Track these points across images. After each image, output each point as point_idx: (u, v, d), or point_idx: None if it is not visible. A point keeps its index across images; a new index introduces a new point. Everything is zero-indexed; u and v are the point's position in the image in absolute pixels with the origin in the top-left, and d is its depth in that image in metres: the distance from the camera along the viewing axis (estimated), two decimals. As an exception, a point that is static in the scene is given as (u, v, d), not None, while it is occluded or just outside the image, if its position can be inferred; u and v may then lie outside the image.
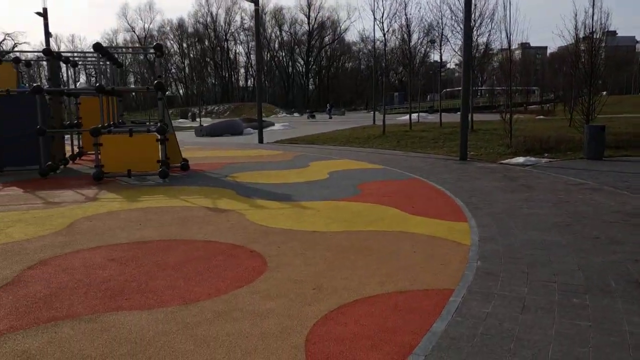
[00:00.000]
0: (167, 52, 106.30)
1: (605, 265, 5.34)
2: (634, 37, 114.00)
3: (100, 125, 12.32)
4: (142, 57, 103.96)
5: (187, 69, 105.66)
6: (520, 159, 14.55)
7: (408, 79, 38.37)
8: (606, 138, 17.29)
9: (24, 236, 6.84)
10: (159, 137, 11.71)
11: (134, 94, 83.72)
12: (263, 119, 45.75)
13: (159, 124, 11.98)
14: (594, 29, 17.62)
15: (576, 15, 20.37)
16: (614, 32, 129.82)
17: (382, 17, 25.27)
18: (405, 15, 26.86)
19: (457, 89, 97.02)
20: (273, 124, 37.74)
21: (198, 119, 52.21)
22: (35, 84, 13.26)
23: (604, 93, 23.52)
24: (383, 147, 20.08)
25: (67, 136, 17.91)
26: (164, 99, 12.47)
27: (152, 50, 13.01)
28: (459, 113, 19.65)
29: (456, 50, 25.50)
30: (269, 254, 5.88)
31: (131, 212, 8.37)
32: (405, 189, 10.35)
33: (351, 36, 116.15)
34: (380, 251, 5.97)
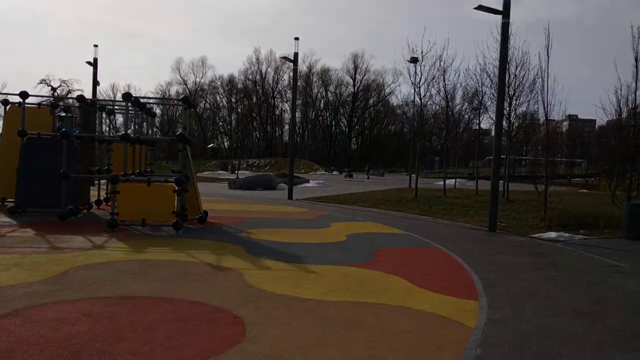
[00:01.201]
0: (215, 106, 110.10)
1: (624, 366, 4.70)
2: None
3: (121, 173, 12.38)
4: (191, 109, 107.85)
5: (233, 122, 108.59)
6: (552, 234, 13.77)
7: (444, 144, 37.99)
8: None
9: (12, 282, 6.68)
10: (176, 188, 11.64)
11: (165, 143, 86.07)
12: (299, 175, 46.13)
13: (178, 175, 11.94)
14: (636, 104, 16.99)
15: (619, 89, 19.77)
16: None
17: (419, 82, 25.07)
18: (444, 81, 26.40)
19: (512, 157, 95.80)
20: (308, 181, 37.74)
21: (237, 172, 52.91)
22: (64, 129, 13.55)
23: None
24: (413, 211, 19.55)
25: (102, 181, 18.18)
26: (186, 150, 12.49)
27: (181, 102, 13.12)
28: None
29: (493, 119, 24.92)
30: (251, 322, 5.47)
31: (130, 264, 8.15)
32: (422, 259, 9.82)
33: (395, 99, 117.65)
34: (374, 328, 5.48)
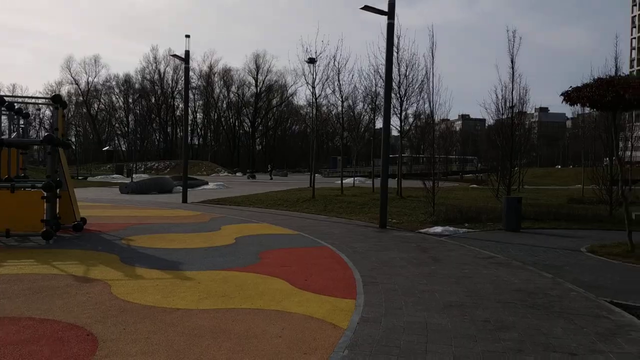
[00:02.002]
0: (111, 106, 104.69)
1: (485, 356, 4.76)
2: (564, 114, 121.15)
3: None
4: (84, 110, 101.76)
5: (131, 124, 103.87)
6: (438, 229, 14.24)
7: (346, 143, 38.59)
8: (526, 210, 17.43)
9: None
10: (44, 194, 10.68)
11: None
12: (198, 177, 44.89)
13: (47, 180, 10.97)
14: (513, 103, 18.08)
15: (500, 90, 20.96)
16: (546, 109, 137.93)
17: (314, 82, 25.16)
18: (339, 81, 26.70)
19: (396, 155, 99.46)
20: (207, 183, 36.79)
21: (134, 175, 50.56)
22: None
23: (516, 168, 24.07)
24: (309, 211, 19.52)
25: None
26: (57, 153, 11.51)
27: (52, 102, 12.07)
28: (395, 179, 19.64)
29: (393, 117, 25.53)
30: (106, 338, 4.99)
31: (-20, 280, 7.28)
32: (308, 259, 9.67)
33: (298, 100, 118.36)
34: (242, 336, 5.19)
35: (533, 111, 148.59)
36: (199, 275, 7.97)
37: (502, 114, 19.24)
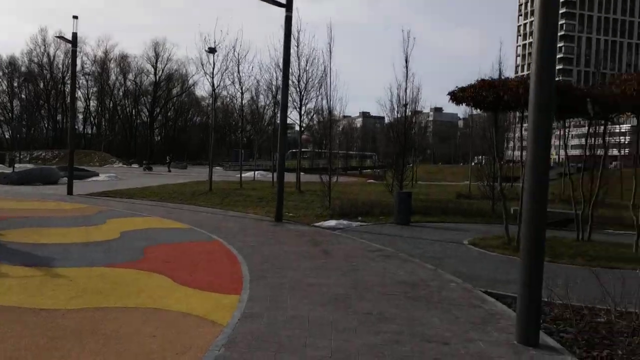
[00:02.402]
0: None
1: (363, 349, 4.78)
2: (457, 114, 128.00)
3: None
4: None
5: (15, 110, 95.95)
6: (332, 222, 14.40)
7: (248, 136, 38.10)
8: (417, 204, 18.13)
9: None
10: None
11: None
12: (89, 168, 42.36)
13: None
14: (407, 102, 18.73)
15: (396, 88, 21.63)
16: (441, 109, 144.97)
17: (213, 72, 24.55)
18: (239, 72, 26.26)
19: (302, 150, 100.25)
20: (97, 174, 34.79)
21: (16, 165, 46.69)
22: None
23: (410, 164, 25.12)
24: (205, 204, 19.01)
25: None
26: None
27: None
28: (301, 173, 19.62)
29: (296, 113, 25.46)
30: (-50, 345, 4.45)
31: None
32: (196, 254, 9.35)
33: (200, 90, 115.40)
34: (110, 336, 4.85)
35: (429, 110, 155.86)
36: (74, 272, 7.41)
37: (397, 112, 19.88)
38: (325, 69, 22.16)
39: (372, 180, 44.54)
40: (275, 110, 35.79)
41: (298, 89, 24.26)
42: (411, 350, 4.82)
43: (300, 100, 24.50)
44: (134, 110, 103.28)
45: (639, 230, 10.90)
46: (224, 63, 24.68)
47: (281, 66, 24.85)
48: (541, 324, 6.01)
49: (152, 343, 4.72)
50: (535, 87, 5.19)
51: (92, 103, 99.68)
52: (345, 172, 68.28)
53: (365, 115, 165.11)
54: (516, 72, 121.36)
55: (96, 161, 71.16)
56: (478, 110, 11.70)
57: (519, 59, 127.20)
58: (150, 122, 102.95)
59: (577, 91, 10.83)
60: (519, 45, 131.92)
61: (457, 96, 11.64)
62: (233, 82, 26.54)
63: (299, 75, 24.14)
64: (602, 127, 12.93)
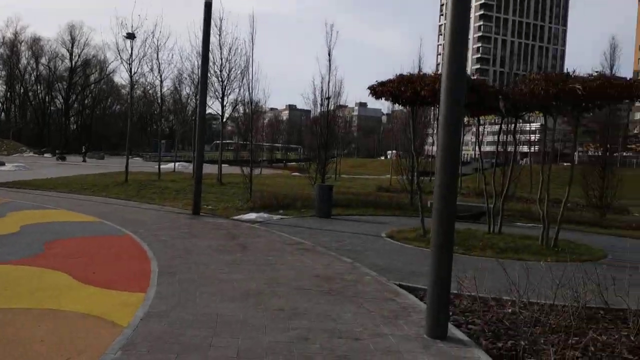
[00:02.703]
0: None
1: (271, 348, 4.60)
2: (381, 109, 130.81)
3: None
4: None
5: None
6: (252, 215, 14.14)
7: (159, 125, 36.87)
8: (339, 197, 18.21)
9: None
10: None
11: None
12: (-6, 157, 39.48)
13: None
14: (329, 95, 18.72)
15: (319, 81, 21.57)
16: (365, 104, 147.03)
17: (130, 59, 23.47)
18: (158, 59, 25.27)
19: (226, 141, 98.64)
20: (3, 164, 32.46)
21: None
22: None
23: (334, 157, 25.33)
24: (118, 196, 18.13)
25: None
26: None
27: None
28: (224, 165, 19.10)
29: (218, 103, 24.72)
30: None
31: None
32: (102, 249, 8.81)
33: (120, 78, 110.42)
34: (-8, 342, 4.38)
35: (354, 105, 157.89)
36: (-41, 270, 6.74)
37: (320, 105, 19.85)
38: (247, 60, 21.75)
39: (296, 173, 44.51)
40: (196, 100, 34.63)
41: (220, 79, 23.68)
42: (320, 347, 4.70)
43: (223, 91, 23.92)
44: (47, 97, 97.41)
45: (544, 223, 11.43)
46: (142, 49, 23.62)
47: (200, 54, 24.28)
48: (451, 317, 6.12)
49: (39, 349, 4.32)
50: (446, 80, 5.20)
51: (0, 88, 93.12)
52: (270, 164, 68.05)
53: (291, 107, 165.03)
54: (437, 70, 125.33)
55: (3, 150, 66.48)
56: (397, 105, 11.82)
57: (439, 57, 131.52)
58: (66, 109, 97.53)
59: (490, 89, 11.19)
60: (440, 44, 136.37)
61: (376, 91, 11.70)
62: (152, 70, 25.47)
63: (221, 65, 23.58)
64: (513, 125, 13.45)
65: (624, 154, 62.41)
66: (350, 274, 7.86)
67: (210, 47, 26.90)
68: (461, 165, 48.05)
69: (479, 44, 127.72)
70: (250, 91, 17.50)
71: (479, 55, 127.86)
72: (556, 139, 69.20)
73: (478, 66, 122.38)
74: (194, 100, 41.50)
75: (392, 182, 29.50)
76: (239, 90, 23.75)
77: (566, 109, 11.31)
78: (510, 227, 14.91)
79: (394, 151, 26.03)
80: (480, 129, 13.79)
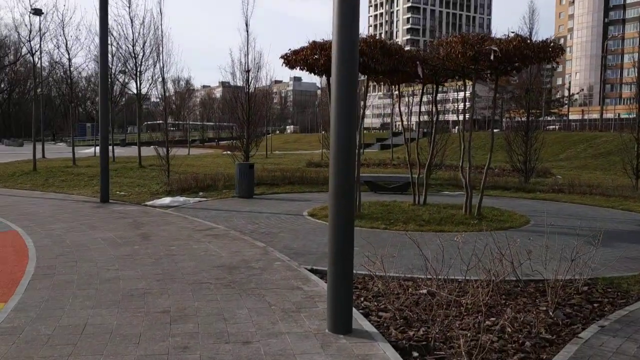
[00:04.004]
0: None
1: (138, 365, 3.84)
2: (315, 83, 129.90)
3: None
4: None
5: None
6: (166, 200, 13.15)
7: (84, 108, 34.67)
8: (263, 175, 17.44)
9: None
10: None
11: None
12: None
13: None
14: (248, 67, 17.72)
15: (236, 53, 20.42)
16: (300, 79, 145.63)
17: (29, 35, 21.47)
18: (64, 35, 23.31)
19: (158, 122, 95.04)
20: None
21: None
22: None
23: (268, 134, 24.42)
24: (22, 186, 16.57)
25: None
26: None
27: None
28: (153, 147, 17.73)
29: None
30: None
31: None
32: (-23, 250, 7.69)
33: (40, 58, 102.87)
34: None
35: (289, 80, 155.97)
36: None
37: (239, 79, 18.81)
38: (156, 32, 20.27)
39: (228, 152, 43.27)
40: (126, 79, 32.35)
41: (133, 55, 22.05)
42: (200, 358, 3.98)
43: (137, 68, 22.30)
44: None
45: (467, 192, 11.13)
46: (44, 24, 21.62)
47: (115, 32, 22.56)
48: (362, 303, 5.56)
49: None
50: (336, 40, 4.50)
51: None
52: (202, 143, 66.05)
53: (224, 85, 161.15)
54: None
55: None
56: (313, 74, 11.11)
57: (370, 28, 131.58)
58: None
59: (407, 53, 10.62)
60: (371, 16, 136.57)
61: (289, 59, 10.92)
62: (58, 47, 23.49)
63: (133, 40, 21.92)
64: (434, 93, 13.04)
65: (548, 118, 64.75)
66: (259, 261, 7.16)
67: (121, 21, 25.26)
68: (391, 137, 48.13)
69: (409, 15, 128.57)
70: (162, 66, 16.21)
71: (409, 26, 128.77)
72: (485, 106, 70.95)
73: (408, 37, 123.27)
74: (120, 81, 39.04)
75: (323, 157, 28.97)
76: (154, 66, 22.14)
77: (485, 72, 10.94)
78: (438, 197, 14.68)
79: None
80: (413, 99, 13.30)
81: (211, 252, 7.63)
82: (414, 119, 28.54)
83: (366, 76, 11.09)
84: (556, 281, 5.53)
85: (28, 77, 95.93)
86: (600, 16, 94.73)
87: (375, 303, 5.54)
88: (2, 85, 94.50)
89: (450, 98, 31.28)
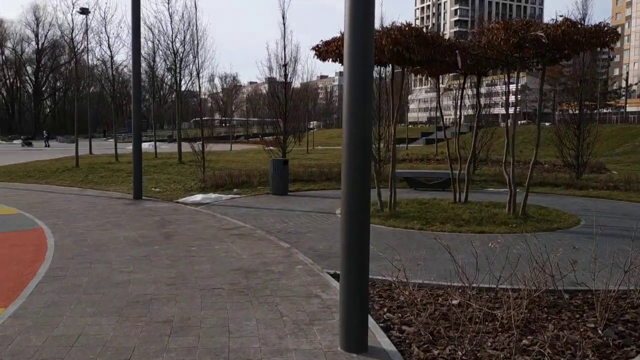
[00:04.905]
0: None
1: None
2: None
3: None
4: None
5: None
6: (198, 197, 12.92)
7: (113, 104, 35.17)
8: (299, 171, 17.05)
9: None
10: None
11: None
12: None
13: None
14: (286, 61, 17.31)
15: (268, 46, 20.05)
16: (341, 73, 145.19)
17: (71, 34, 21.72)
18: (106, 33, 23.55)
19: (205, 118, 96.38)
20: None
21: None
22: None
23: (312, 129, 23.97)
24: (63, 182, 16.77)
25: None
26: None
27: None
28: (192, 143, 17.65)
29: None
30: None
31: None
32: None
33: (94, 58, 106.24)
34: None
35: (334, 75, 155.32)
36: None
37: (276, 73, 18.43)
38: (192, 26, 20.05)
39: (272, 148, 43.13)
40: (175, 78, 32.15)
41: (172, 51, 22.02)
42: (191, 380, 3.57)
43: (177, 64, 22.27)
44: (16, 82, 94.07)
45: (510, 189, 10.36)
46: (83, 24, 21.85)
47: (155, 28, 22.59)
48: (384, 314, 5.04)
49: None
50: (348, 32, 3.99)
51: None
52: (247, 139, 66.33)
53: (271, 80, 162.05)
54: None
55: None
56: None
57: (417, 21, 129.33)
58: (35, 93, 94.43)
59: (445, 42, 9.93)
60: (417, 8, 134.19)
61: (320, 51, 10.43)
62: (100, 44, 23.78)
63: (172, 36, 21.88)
64: (476, 84, 12.26)
65: (603, 110, 61.76)
66: (280, 263, 6.73)
67: (160, 17, 25.36)
68: (436, 131, 46.93)
69: (457, 6, 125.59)
70: (198, 59, 16.02)
71: (456, 18, 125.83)
72: (536, 98, 68.29)
73: (456, 29, 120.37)
74: (168, 78, 39.36)
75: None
76: (192, 63, 22.00)
77: (531, 61, 10.13)
78: (481, 194, 13.91)
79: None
80: (461, 92, 12.53)
81: (232, 254, 7.25)
82: (463, 112, 27.47)
83: (402, 67, 10.46)
84: (607, 293, 4.85)
85: (82, 76, 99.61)
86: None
87: (400, 315, 5.01)
88: (59, 84, 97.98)
89: (499, 90, 30.03)
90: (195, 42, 17.89)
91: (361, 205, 4.05)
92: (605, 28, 8.98)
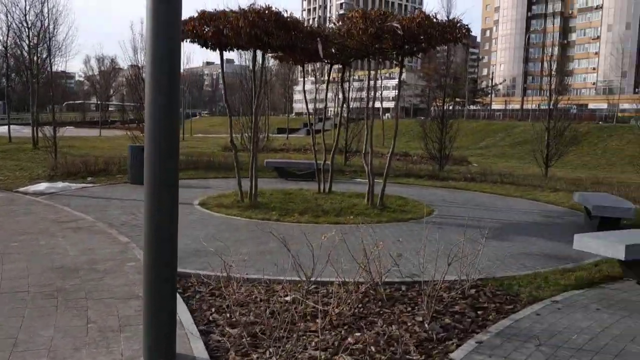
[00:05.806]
0: None
1: None
2: (248, 65, 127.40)
3: None
4: None
5: None
6: (43, 186, 11.67)
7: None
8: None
9: None
10: None
11: None
12: None
13: None
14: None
15: (132, 25, 18.81)
16: (232, 61, 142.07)
17: None
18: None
19: (78, 102, 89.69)
20: None
21: None
22: None
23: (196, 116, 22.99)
24: None
25: None
26: None
27: None
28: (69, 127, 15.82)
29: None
30: None
31: None
32: None
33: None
34: None
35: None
36: None
37: (138, 54, 17.32)
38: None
39: (134, 133, 40.89)
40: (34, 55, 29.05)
41: (26, 29, 19.76)
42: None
43: (29, 40, 20.07)
44: None
45: (369, 180, 10.43)
46: None
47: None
48: (212, 314, 4.63)
49: None
50: (151, 8, 3.48)
51: None
52: (123, 124, 62.58)
53: (134, 66, 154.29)
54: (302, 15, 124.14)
55: None
56: (205, 48, 9.92)
57: (304, 13, 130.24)
58: None
59: (306, 28, 9.69)
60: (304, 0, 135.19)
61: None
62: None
63: (25, 8, 19.67)
64: (341, 74, 12.23)
65: (472, 107, 66.16)
66: (110, 261, 6.07)
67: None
68: (312, 123, 47.48)
69: (342, 0, 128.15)
70: (49, 34, 14.46)
71: (342, 12, 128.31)
72: (412, 94, 71.63)
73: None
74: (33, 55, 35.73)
75: (242, 140, 27.71)
76: (50, 38, 19.76)
77: (391, 53, 10.21)
78: (349, 184, 14.00)
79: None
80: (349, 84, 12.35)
81: (57, 250, 6.45)
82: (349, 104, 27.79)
83: (261, 52, 10.06)
84: (433, 284, 4.81)
85: None
86: (524, 10, 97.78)
87: (228, 315, 4.62)
88: None
89: (378, 85, 30.75)
90: (54, 15, 16.09)
91: (163, 187, 3.59)
92: (458, 24, 9.22)
